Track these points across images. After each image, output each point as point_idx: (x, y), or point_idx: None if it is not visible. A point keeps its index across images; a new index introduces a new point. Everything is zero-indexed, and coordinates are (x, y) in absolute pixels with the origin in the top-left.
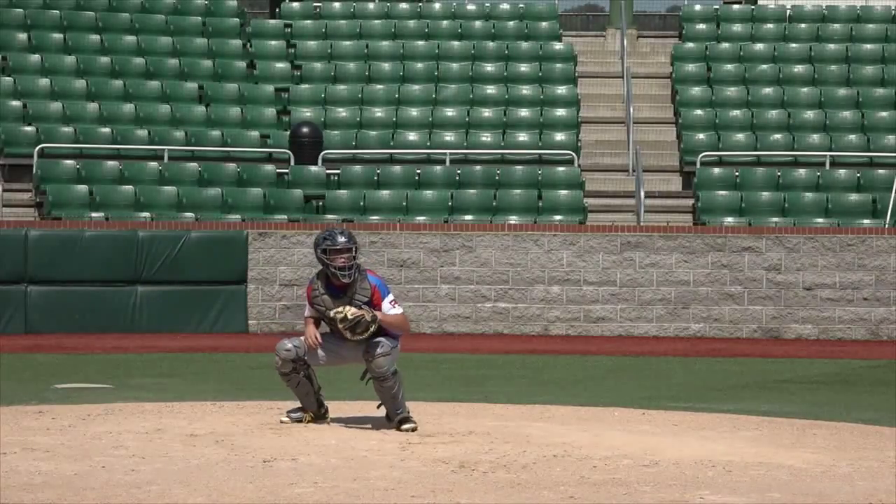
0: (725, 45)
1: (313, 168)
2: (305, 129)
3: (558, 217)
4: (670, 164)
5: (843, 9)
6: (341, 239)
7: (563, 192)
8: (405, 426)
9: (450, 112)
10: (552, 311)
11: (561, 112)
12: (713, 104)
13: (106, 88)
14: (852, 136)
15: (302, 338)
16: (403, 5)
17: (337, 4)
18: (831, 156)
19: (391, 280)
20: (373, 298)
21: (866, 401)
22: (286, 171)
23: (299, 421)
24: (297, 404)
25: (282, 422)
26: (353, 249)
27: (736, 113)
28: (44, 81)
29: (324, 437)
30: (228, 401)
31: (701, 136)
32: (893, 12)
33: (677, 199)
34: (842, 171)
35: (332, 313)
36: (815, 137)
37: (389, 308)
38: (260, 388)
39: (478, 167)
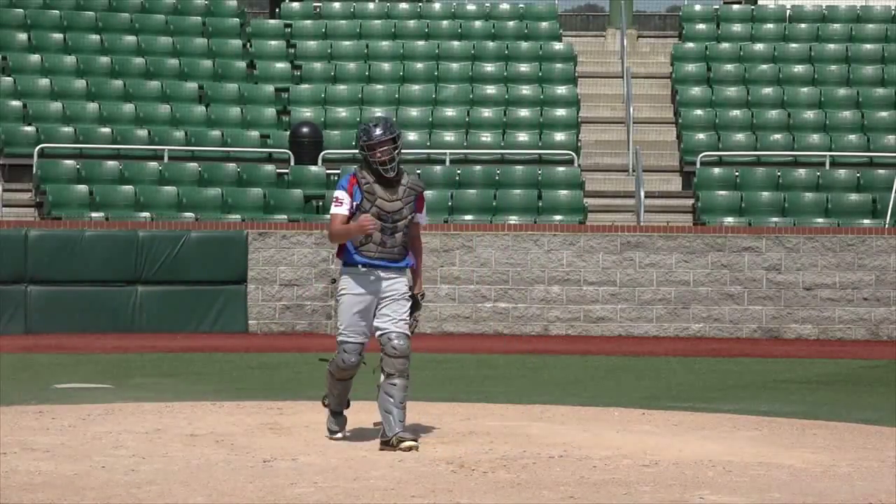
0: (725, 45)
1: (313, 168)
2: (305, 129)
3: (558, 217)
4: (670, 164)
5: (843, 9)
6: (377, 132)
7: (563, 192)
8: (406, 443)
9: (450, 112)
10: (552, 311)
11: (561, 112)
12: (713, 104)
13: (106, 88)
14: (852, 136)
15: (352, 340)
16: (403, 5)
17: (337, 4)
18: (831, 156)
19: None
20: (417, 202)
21: (866, 401)
22: (286, 171)
23: (337, 433)
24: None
25: (333, 439)
26: (394, 139)
27: (736, 113)
28: (44, 81)
29: (324, 438)
30: (228, 401)
31: (701, 136)
32: (893, 12)
33: (677, 199)
34: (842, 171)
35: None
36: (815, 137)
37: (422, 218)
38: (260, 388)
39: (478, 167)
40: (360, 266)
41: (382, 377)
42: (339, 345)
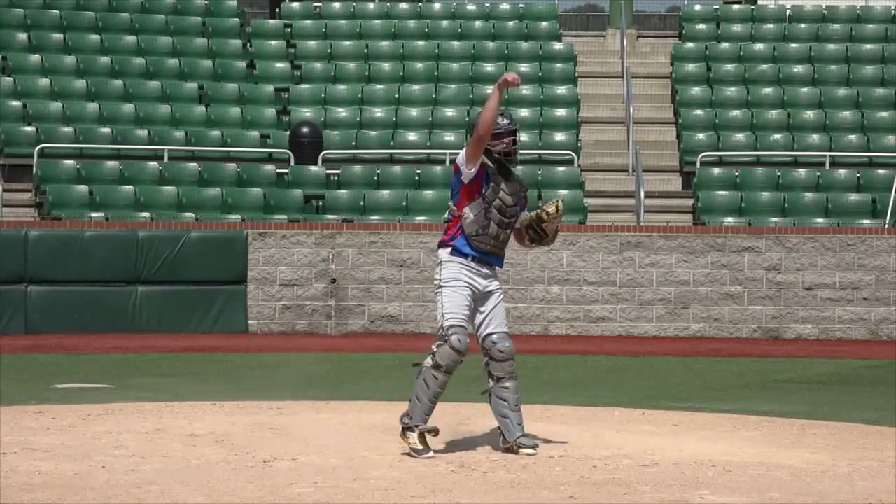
0: (725, 45)
1: (313, 168)
2: (305, 129)
3: None
4: (670, 164)
5: (843, 9)
6: (503, 122)
7: (563, 192)
8: (525, 451)
9: (450, 112)
10: (552, 311)
11: (561, 112)
12: (713, 104)
13: (106, 88)
14: (852, 136)
15: (464, 324)
16: (403, 5)
17: (337, 4)
18: (831, 156)
19: (391, 280)
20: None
21: (866, 401)
22: (286, 171)
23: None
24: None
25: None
26: (516, 132)
27: (736, 113)
28: (44, 81)
29: (324, 437)
30: (228, 401)
31: (701, 136)
32: (893, 12)
33: (677, 199)
34: (842, 171)
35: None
36: (815, 137)
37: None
38: (260, 388)
39: None
40: (469, 257)
41: (492, 382)
42: (448, 330)
